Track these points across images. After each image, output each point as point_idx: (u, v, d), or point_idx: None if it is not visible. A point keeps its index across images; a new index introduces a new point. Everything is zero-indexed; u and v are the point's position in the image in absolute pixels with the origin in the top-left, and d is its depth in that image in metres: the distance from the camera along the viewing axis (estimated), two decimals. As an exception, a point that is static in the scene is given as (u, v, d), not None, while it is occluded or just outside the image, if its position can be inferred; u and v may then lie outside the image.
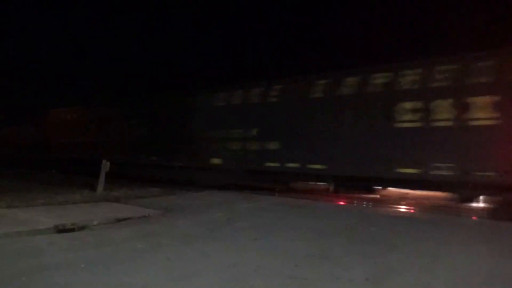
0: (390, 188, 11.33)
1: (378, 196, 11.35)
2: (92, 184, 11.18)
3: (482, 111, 8.29)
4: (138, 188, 11.73)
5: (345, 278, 3.99)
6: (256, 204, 9.28)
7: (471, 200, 8.98)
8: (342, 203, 10.38)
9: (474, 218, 7.83)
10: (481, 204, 8.97)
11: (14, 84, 33.98)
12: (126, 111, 17.12)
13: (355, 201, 10.33)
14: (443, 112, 8.80)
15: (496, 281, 4.03)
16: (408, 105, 9.32)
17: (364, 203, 10.03)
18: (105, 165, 11.27)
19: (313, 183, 11.88)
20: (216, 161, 13.24)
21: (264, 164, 11.83)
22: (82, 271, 4.05)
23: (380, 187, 11.15)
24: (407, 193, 11.34)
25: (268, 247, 5.22)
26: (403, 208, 9.50)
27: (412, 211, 9.14)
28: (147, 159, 15.42)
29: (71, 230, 5.98)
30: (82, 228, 6.12)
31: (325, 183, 11.44)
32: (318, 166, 10.72)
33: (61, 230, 5.93)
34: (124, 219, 6.85)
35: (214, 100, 13.77)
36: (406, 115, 9.32)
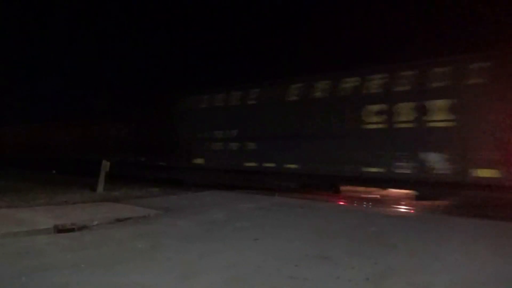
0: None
1: (378, 196, 11.36)
2: (92, 184, 11.18)
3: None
4: (138, 188, 11.73)
5: (345, 278, 3.99)
6: (256, 204, 9.26)
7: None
8: (342, 203, 10.39)
9: (473, 218, 7.82)
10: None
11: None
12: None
13: (355, 201, 10.32)
14: None
15: (496, 281, 4.02)
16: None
17: (364, 203, 10.02)
18: (105, 165, 11.23)
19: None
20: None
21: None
22: (82, 271, 4.05)
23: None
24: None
25: (268, 247, 5.22)
26: (403, 208, 9.50)
27: (412, 211, 9.14)
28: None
29: (71, 230, 5.99)
30: (82, 228, 6.12)
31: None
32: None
33: (61, 230, 5.93)
34: (124, 219, 6.85)
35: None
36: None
